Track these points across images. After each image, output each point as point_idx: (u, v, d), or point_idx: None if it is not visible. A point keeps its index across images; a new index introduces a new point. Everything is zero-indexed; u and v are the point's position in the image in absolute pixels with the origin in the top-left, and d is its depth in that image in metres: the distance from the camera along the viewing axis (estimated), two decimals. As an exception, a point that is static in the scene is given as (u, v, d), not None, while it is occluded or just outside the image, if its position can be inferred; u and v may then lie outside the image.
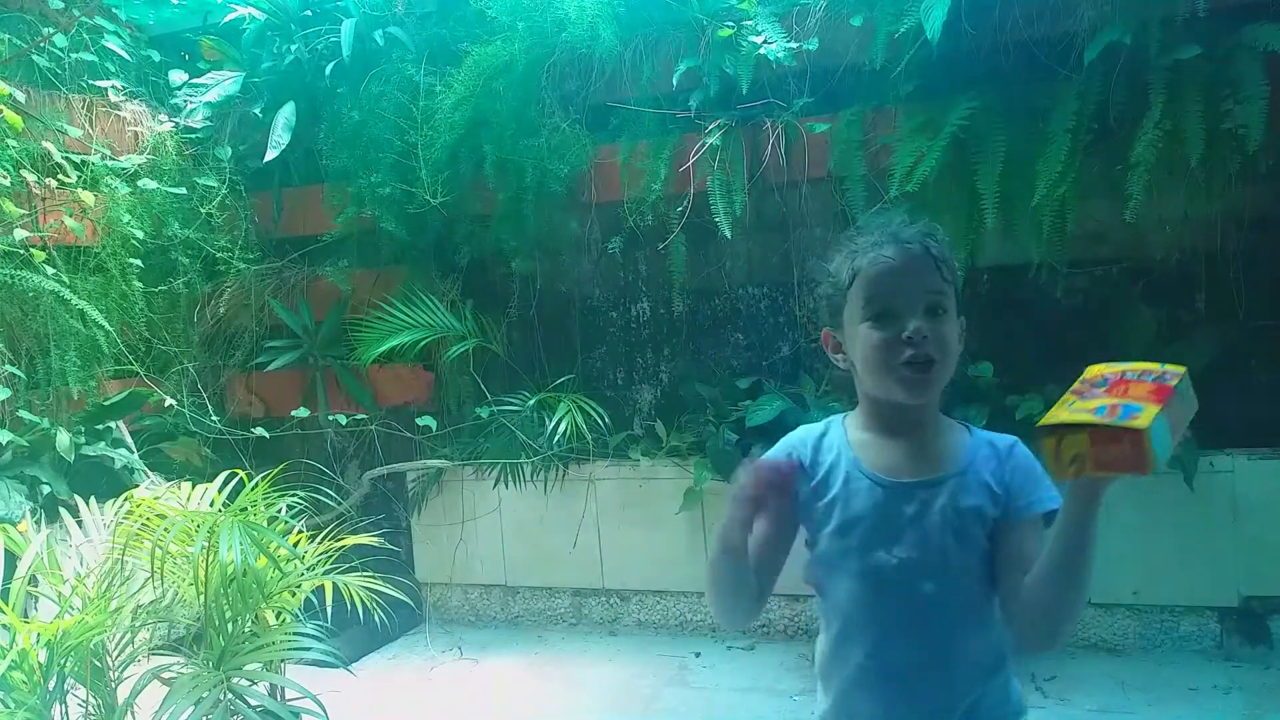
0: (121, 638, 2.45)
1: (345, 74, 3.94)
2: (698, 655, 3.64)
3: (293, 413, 4.03)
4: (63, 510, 3.04)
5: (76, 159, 3.65)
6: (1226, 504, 3.16)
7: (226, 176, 4.02)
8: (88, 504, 2.91)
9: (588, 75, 3.78)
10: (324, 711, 2.39)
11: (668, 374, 4.04)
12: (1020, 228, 3.23)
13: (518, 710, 3.32)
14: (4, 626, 2.26)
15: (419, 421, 4.00)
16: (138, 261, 3.79)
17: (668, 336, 4.03)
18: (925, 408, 1.28)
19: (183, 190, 3.93)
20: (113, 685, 2.41)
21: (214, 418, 3.99)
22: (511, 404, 3.92)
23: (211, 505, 2.69)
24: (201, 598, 2.40)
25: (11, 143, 3.40)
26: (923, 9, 3.05)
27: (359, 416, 4.11)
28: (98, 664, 2.37)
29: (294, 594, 2.62)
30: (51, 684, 2.28)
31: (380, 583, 2.80)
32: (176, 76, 4.08)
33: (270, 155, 3.92)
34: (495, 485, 3.97)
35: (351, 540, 2.81)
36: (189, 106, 4.02)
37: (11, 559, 2.52)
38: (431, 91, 3.83)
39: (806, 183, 3.64)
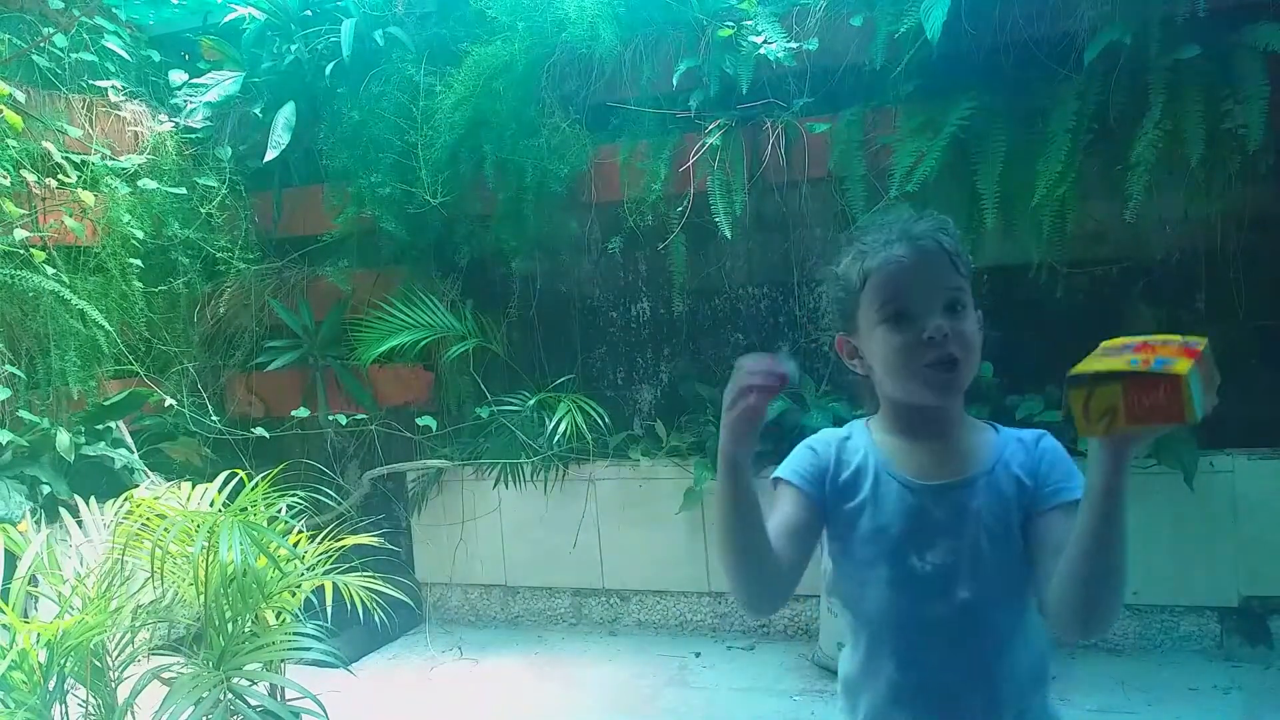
0: (121, 638, 2.45)
1: (345, 74, 3.94)
2: (698, 655, 3.64)
3: (293, 413, 4.03)
4: (63, 510, 3.04)
5: (76, 159, 3.65)
6: (1226, 504, 3.16)
7: (226, 176, 4.02)
8: (88, 504, 2.91)
9: (588, 75, 3.77)
10: (324, 711, 2.38)
11: (668, 374, 4.04)
12: (1020, 228, 3.23)
13: (518, 710, 3.32)
14: (4, 626, 2.26)
15: (419, 421, 4.00)
16: (138, 261, 3.79)
17: (668, 336, 4.02)
18: (951, 408, 1.24)
19: (183, 190, 3.93)
20: (113, 685, 2.41)
21: (214, 418, 3.99)
22: (511, 404, 3.92)
23: (211, 505, 2.69)
24: (201, 598, 2.40)
25: (11, 143, 3.40)
26: (923, 9, 3.05)
27: (359, 416, 4.11)
28: (98, 664, 2.37)
29: (294, 594, 2.62)
30: (51, 684, 2.28)
31: (380, 583, 2.80)
32: (176, 76, 4.08)
33: (270, 155, 3.92)
34: (495, 485, 3.97)
35: (351, 540, 2.81)
36: (189, 106, 4.02)
37: (11, 559, 2.52)
38: (431, 91, 3.83)
39: (806, 183, 3.64)
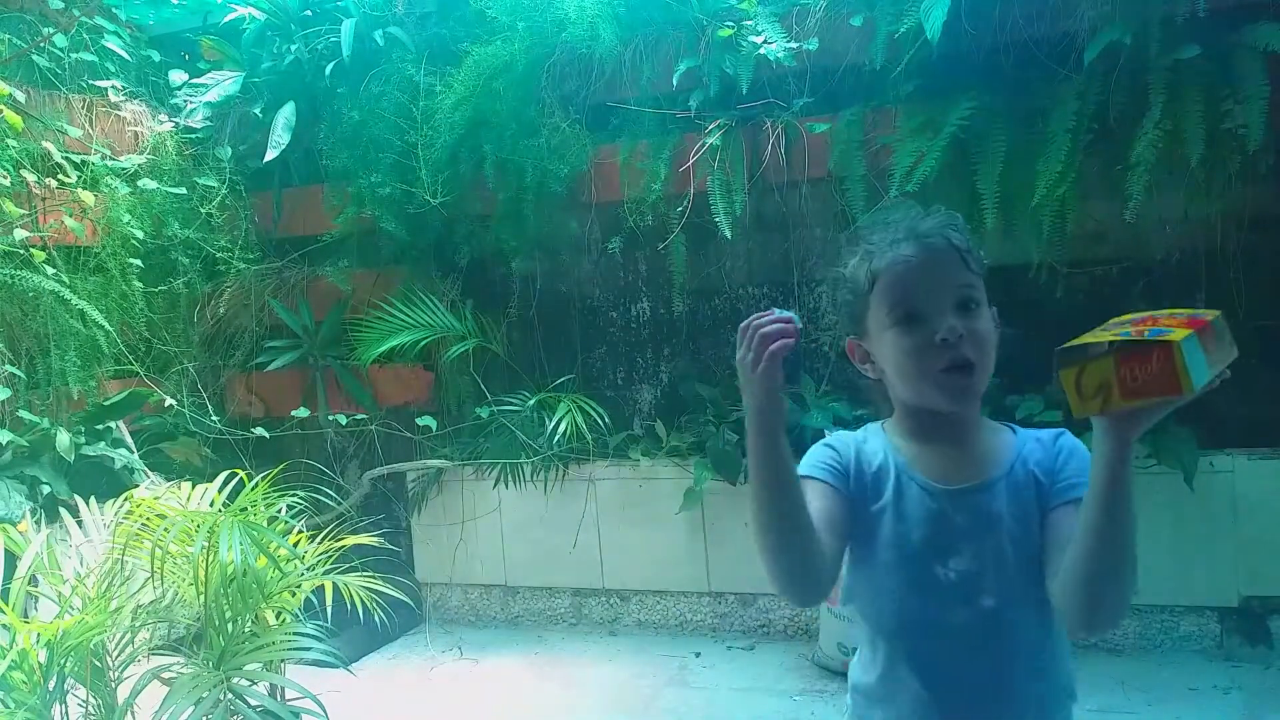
0: (121, 638, 2.45)
1: (345, 74, 3.94)
2: (698, 655, 3.64)
3: (293, 413, 4.03)
4: (63, 510, 3.04)
5: (76, 159, 3.65)
6: (1226, 504, 3.16)
7: (226, 176, 4.02)
8: (88, 504, 2.91)
9: (588, 75, 3.78)
10: (324, 711, 2.38)
11: (668, 374, 4.04)
12: (1020, 228, 3.24)
13: (518, 710, 3.32)
14: (4, 626, 2.26)
15: (419, 421, 4.00)
16: (138, 261, 3.79)
17: (668, 336, 4.02)
18: (968, 411, 1.20)
19: (183, 190, 3.93)
20: (113, 685, 2.41)
21: (214, 418, 3.99)
22: (511, 404, 3.92)
23: (211, 505, 2.69)
24: (201, 598, 2.40)
25: (11, 143, 3.40)
26: (923, 9, 3.05)
27: (359, 416, 4.11)
28: (98, 664, 2.37)
29: (294, 594, 2.62)
30: (51, 684, 2.28)
31: (380, 583, 2.80)
32: (176, 76, 4.08)
33: (270, 155, 3.92)
34: (495, 485, 3.97)
35: (351, 540, 2.81)
36: (189, 106, 4.02)
37: (11, 559, 2.52)
38: (431, 91, 3.83)
39: (806, 183, 3.64)
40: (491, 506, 4.06)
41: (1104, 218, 3.26)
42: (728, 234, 3.54)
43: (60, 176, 3.56)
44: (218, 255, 4.04)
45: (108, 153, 3.79)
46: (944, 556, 1.16)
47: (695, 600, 3.87)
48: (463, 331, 3.97)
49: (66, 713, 2.36)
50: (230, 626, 2.45)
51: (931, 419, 1.19)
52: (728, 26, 3.51)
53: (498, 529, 4.08)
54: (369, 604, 2.75)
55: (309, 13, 4.12)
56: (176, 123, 4.02)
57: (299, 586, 2.63)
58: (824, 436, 1.31)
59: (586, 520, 3.93)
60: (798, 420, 3.29)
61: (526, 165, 3.73)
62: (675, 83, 3.59)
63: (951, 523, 1.17)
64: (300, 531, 2.72)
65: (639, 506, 3.85)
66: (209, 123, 4.08)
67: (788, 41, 3.41)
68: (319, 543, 2.73)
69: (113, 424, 3.66)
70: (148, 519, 2.48)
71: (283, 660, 2.60)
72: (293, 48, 4.06)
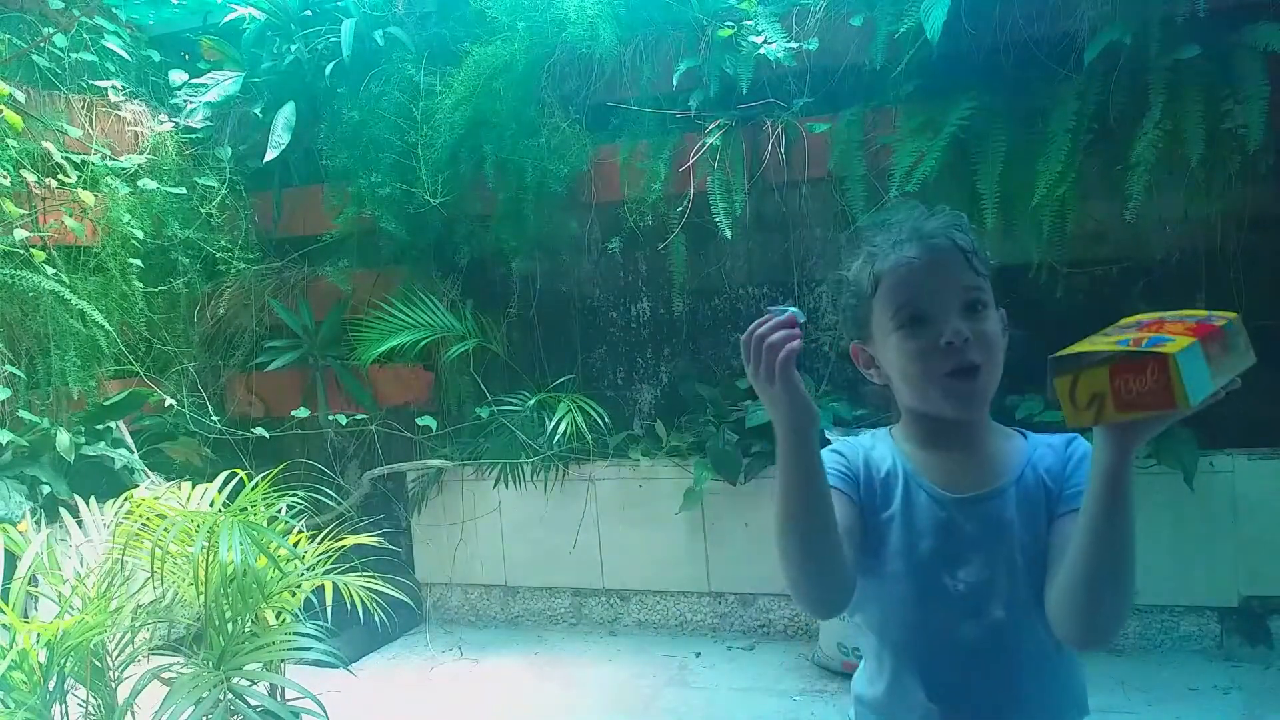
0: (121, 638, 2.45)
1: (345, 74, 3.94)
2: (698, 655, 3.64)
3: (293, 413, 4.03)
4: (63, 510, 3.04)
5: (76, 159, 3.65)
6: (1226, 504, 3.16)
7: (226, 176, 4.02)
8: (88, 504, 2.91)
9: (588, 75, 3.78)
10: (324, 711, 2.38)
11: (668, 374, 4.04)
12: (1020, 228, 3.24)
13: (518, 710, 3.32)
14: (4, 626, 2.26)
15: (419, 421, 4.00)
16: (138, 261, 3.79)
17: (668, 336, 4.02)
18: (977, 417, 1.16)
19: (183, 190, 3.94)
20: (113, 685, 2.40)
21: (214, 418, 3.99)
22: (511, 404, 3.92)
23: (211, 505, 2.69)
24: (201, 598, 2.40)
25: (11, 143, 3.40)
26: (923, 9, 3.05)
27: (359, 416, 4.11)
28: (98, 664, 2.36)
29: (294, 594, 2.62)
30: (51, 684, 2.28)
31: (380, 583, 2.80)
32: (176, 76, 4.08)
33: (270, 155, 3.92)
34: (495, 485, 3.97)
35: (351, 540, 2.81)
36: (189, 106, 4.02)
37: (11, 559, 2.52)
38: (431, 91, 3.83)
39: (806, 183, 3.64)
40: (491, 506, 4.06)
41: (1104, 218, 3.26)
42: (728, 234, 3.54)
43: (60, 176, 3.56)
44: (218, 255, 4.04)
45: (108, 153, 3.79)
46: (953, 566, 1.13)
47: (695, 600, 3.87)
48: (463, 331, 3.97)
49: (66, 713, 2.36)
50: (230, 626, 2.45)
51: (939, 425, 1.16)
52: (728, 26, 3.51)
53: (498, 529, 4.08)
54: (369, 604, 2.75)
55: (309, 13, 4.12)
56: (176, 123, 4.03)
57: (299, 586, 2.63)
58: (823, 437, 1.29)
59: (586, 520, 3.93)
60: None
61: (526, 165, 3.73)
62: (675, 83, 3.59)
63: (961, 532, 1.14)
64: (300, 531, 2.72)
65: (639, 506, 3.85)
66: (209, 123, 4.08)
67: (788, 41, 3.41)
68: (319, 543, 2.73)
69: (113, 424, 3.66)
70: (148, 519, 2.48)
71: (283, 660, 2.60)
72: (293, 48, 4.06)
